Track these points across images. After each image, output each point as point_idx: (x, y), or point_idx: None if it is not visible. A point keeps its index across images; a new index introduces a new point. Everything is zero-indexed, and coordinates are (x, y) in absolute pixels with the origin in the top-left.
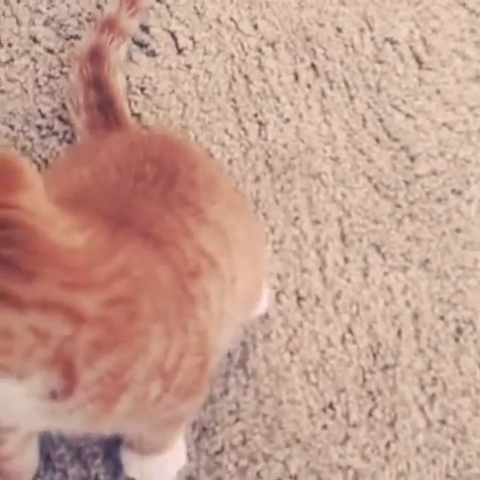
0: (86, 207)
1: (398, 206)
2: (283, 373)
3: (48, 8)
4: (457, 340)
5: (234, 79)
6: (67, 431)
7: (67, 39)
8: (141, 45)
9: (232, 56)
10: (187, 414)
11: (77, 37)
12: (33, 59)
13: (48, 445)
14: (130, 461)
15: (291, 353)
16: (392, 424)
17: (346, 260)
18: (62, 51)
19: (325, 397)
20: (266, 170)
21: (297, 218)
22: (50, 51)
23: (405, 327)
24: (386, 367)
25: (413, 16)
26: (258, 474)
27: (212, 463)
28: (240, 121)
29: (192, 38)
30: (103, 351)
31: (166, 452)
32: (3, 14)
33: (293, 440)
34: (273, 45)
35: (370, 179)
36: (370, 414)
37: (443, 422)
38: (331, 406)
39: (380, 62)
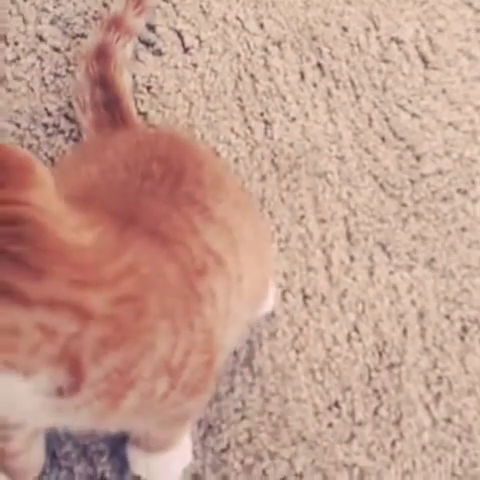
0: (94, 205)
1: (404, 205)
2: (289, 371)
3: (54, 7)
4: (462, 339)
5: (240, 78)
6: (73, 428)
7: (73, 38)
8: (147, 44)
9: (238, 55)
10: (193, 411)
11: (83, 36)
12: (39, 57)
13: (54, 442)
14: (136, 458)
15: (297, 351)
16: (397, 422)
17: (352, 259)
18: (68, 50)
19: (331, 395)
20: (272, 169)
21: (303, 217)
22: (56, 50)
23: (411, 326)
24: (392, 365)
25: (419, 15)
26: (264, 472)
27: (218, 461)
28: (246, 120)
29: (198, 37)
30: (110, 348)
31: (172, 450)
32: (10, 13)
33: (299, 438)
34: (279, 44)
35: (376, 178)
36: (376, 412)
37: (448, 421)
38: (337, 404)
39: (386, 61)
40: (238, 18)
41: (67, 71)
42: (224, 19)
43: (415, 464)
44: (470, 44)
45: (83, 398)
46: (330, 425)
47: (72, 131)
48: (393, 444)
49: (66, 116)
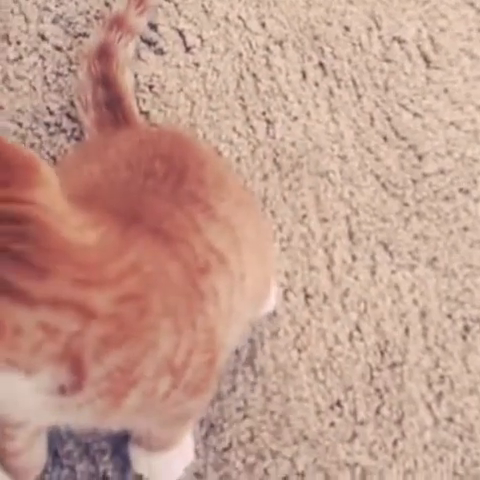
0: (97, 204)
1: (406, 205)
2: (291, 370)
3: (56, 6)
4: (464, 338)
5: (242, 77)
6: (76, 426)
7: (75, 37)
8: (149, 43)
9: (240, 54)
10: (195, 411)
11: (85, 35)
12: (41, 57)
13: (56, 441)
14: (138, 457)
15: (299, 351)
16: (399, 422)
17: (354, 258)
18: (70, 49)
19: (333, 394)
20: (274, 168)
21: (305, 216)
22: (58, 49)
23: (413, 325)
24: (394, 365)
25: (421, 15)
26: (265, 471)
27: (220, 460)
28: (248, 119)
29: (200, 36)
30: (112, 347)
31: (174, 448)
32: (12, 12)
33: (300, 437)
34: (281, 43)
35: (378, 177)
36: (377, 412)
37: (450, 420)
38: (339, 403)
39: (388, 61)
40: (240, 17)
41: (69, 70)
42: (226, 18)
43: (417, 463)
44: (472, 44)
45: (85, 396)
46: (332, 424)
47: (74, 130)
48: (395, 443)
49: (68, 115)
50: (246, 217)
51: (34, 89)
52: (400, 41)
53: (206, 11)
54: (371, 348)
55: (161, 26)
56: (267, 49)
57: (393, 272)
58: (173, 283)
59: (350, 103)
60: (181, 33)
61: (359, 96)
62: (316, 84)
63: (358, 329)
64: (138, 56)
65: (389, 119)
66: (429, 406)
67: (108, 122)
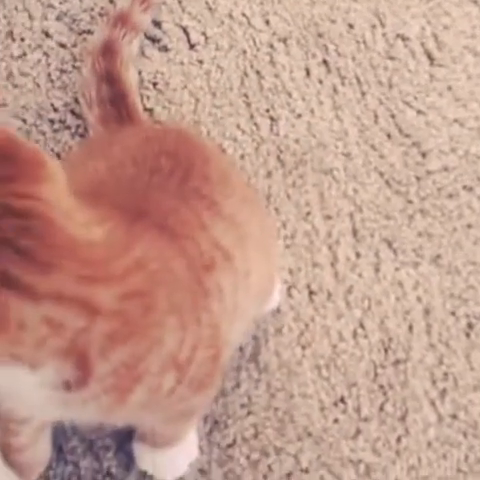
0: (103, 200)
1: (410, 202)
2: (295, 367)
3: (60, 3)
4: (468, 335)
5: (246, 74)
6: (80, 422)
7: (79, 34)
8: (153, 40)
9: (244, 52)
10: (199, 407)
11: (89, 32)
12: (45, 53)
13: (60, 437)
14: (142, 454)
15: (303, 347)
16: (403, 418)
17: (358, 255)
18: (75, 46)
19: (336, 391)
20: (278, 165)
21: (309, 213)
22: (62, 46)
23: (416, 322)
24: (397, 362)
25: (425, 13)
26: (269, 467)
27: (224, 456)
28: (252, 116)
29: (204, 33)
30: (117, 343)
31: (178, 445)
32: (15, 8)
33: (304, 434)
34: (285, 41)
35: (382, 175)
36: (381, 408)
37: (454, 417)
38: (342, 400)
39: (392, 58)
40: (244, 15)
41: (73, 67)
42: (230, 16)
43: (420, 460)
44: (475, 41)
45: (91, 392)
46: (336, 421)
47: (78, 127)
48: (399, 440)
49: (72, 112)
50: (251, 214)
51: (38, 86)
52: (404, 39)
53: (210, 8)
54: (375, 345)
55: (165, 23)
56: (271, 46)
57: (397, 269)
58: (178, 280)
59: (354, 100)
60: (185, 30)
61: (363, 93)
62: (320, 81)
63: (362, 326)
64: (142, 53)
65: (393, 116)
66: (433, 403)
67: (112, 119)
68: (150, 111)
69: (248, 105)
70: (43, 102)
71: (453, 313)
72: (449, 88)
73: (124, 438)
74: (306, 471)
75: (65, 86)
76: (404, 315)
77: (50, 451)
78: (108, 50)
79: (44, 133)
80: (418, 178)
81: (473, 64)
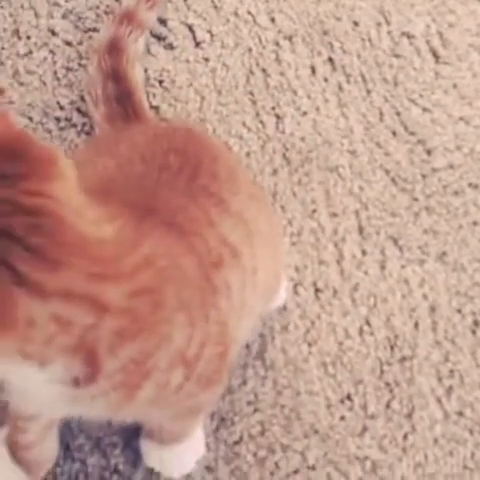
0: (113, 198)
1: (415, 199)
2: (301, 364)
3: (66, 1)
4: (474, 333)
5: (252, 72)
6: (89, 418)
7: (85, 32)
8: (159, 38)
9: (250, 49)
10: (206, 404)
11: (95, 30)
12: (51, 51)
13: (68, 435)
14: (149, 451)
15: (309, 345)
16: (409, 416)
17: (364, 253)
18: (80, 44)
19: (343, 388)
20: (284, 163)
21: (315, 211)
22: (68, 44)
23: (422, 319)
24: (403, 359)
25: (430, 10)
26: (276, 464)
27: (230, 453)
28: (258, 114)
29: (210, 31)
30: (126, 339)
31: (185, 442)
32: (21, 7)
33: (311, 431)
34: (290, 39)
35: (387, 172)
36: (388, 406)
37: (460, 414)
38: (349, 397)
39: (397, 56)
40: (250, 12)
41: (79, 65)
42: (235, 13)
43: (427, 457)
44: None
45: (99, 389)
46: (342, 418)
47: (84, 125)
48: (405, 437)
49: (78, 110)
50: (258, 211)
51: (44, 84)
52: (409, 36)
53: (216, 6)
54: (381, 342)
55: (171, 21)
56: (277, 44)
57: (403, 267)
58: (187, 277)
59: (359, 98)
60: (191, 28)
61: (368, 91)
62: (325, 79)
63: (368, 323)
64: (148, 51)
65: (398, 114)
66: (439, 400)
67: (118, 117)
68: (156, 109)
69: (254, 103)
70: (49, 100)
71: (459, 310)
72: (454, 86)
73: (131, 435)
74: (313, 468)
75: (71, 84)
76: (410, 312)
77: (57, 448)
78: (114, 48)
79: (50, 131)
80: (424, 176)
81: (478, 62)
